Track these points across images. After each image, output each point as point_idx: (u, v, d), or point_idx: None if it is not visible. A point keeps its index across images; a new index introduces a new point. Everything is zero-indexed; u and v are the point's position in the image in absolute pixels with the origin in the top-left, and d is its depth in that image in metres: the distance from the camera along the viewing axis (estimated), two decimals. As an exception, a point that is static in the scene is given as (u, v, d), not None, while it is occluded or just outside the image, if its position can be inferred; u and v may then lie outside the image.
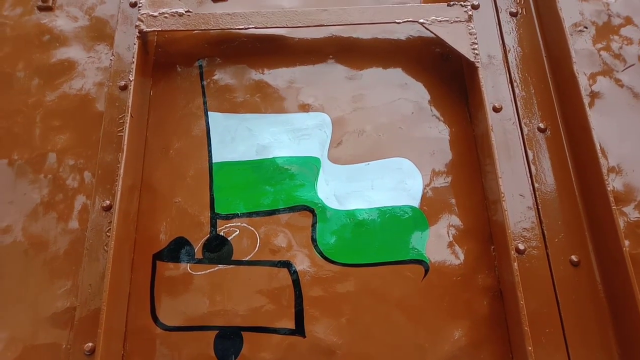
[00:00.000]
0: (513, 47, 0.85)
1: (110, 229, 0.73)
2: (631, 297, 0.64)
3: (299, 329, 0.69)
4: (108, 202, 0.75)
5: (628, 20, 0.88)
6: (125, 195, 0.72)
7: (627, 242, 0.73)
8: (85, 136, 0.82)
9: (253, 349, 0.68)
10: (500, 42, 0.86)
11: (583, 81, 0.83)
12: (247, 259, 0.73)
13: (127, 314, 0.71)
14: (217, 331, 0.69)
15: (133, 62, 0.78)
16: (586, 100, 0.80)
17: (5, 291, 0.72)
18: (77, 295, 0.71)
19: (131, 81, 0.77)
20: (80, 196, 0.78)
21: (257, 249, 0.74)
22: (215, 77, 0.85)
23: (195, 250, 0.74)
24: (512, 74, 0.83)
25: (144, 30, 0.81)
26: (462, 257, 0.74)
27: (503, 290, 0.71)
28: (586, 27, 0.86)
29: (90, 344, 0.67)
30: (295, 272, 0.72)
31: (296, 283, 0.72)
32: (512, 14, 0.88)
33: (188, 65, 0.86)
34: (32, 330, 0.70)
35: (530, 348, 0.62)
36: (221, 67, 0.86)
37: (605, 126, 0.81)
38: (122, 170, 0.71)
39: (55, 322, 0.70)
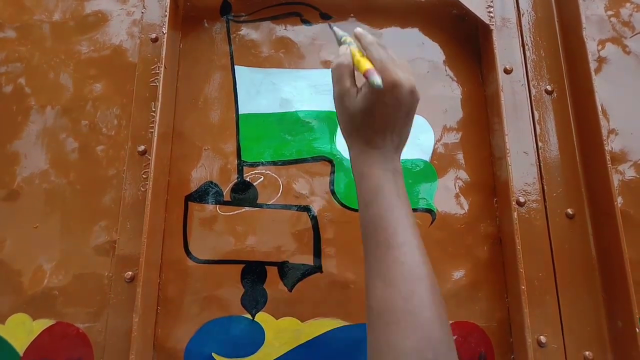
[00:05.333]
0: (527, 11, 0.89)
1: (145, 171, 0.80)
2: (618, 249, 0.71)
3: (316, 265, 0.77)
4: (143, 147, 0.81)
5: (641, -13, 0.91)
6: (159, 141, 0.78)
7: (620, 199, 0.80)
8: (120, 85, 0.87)
9: (275, 280, 0.76)
10: (515, 5, 0.89)
11: (592, 47, 0.87)
12: (270, 202, 0.80)
13: (162, 248, 0.79)
14: (244, 265, 0.77)
15: (166, 16, 0.83)
16: (593, 66, 0.85)
17: (53, 226, 0.80)
18: (117, 230, 0.78)
19: (164, 34, 0.82)
20: (116, 141, 0.84)
21: (279, 194, 0.81)
22: (241, 33, 0.90)
23: (224, 193, 0.81)
24: (525, 38, 0.87)
25: (176, -16, 0.85)
26: (466, 207, 0.81)
27: (502, 237, 0.78)
28: (599, -7, 0.89)
29: (130, 273, 0.76)
30: (314, 216, 0.80)
31: (315, 225, 0.79)
32: (529, -22, 0.91)
33: (215, 20, 0.90)
34: (79, 260, 0.78)
35: (523, 287, 0.70)
36: (247, 23, 0.90)
37: (610, 90, 0.85)
38: (157, 118, 0.77)
39: (99, 254, 0.79)
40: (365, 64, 0.52)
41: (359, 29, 0.57)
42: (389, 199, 0.51)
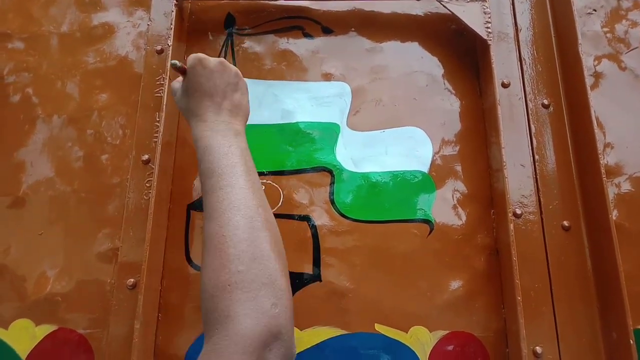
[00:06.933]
0: (525, 26, 0.90)
1: (148, 180, 0.82)
2: (613, 261, 0.72)
3: (315, 274, 0.78)
4: (147, 156, 0.83)
5: (637, 5, 0.93)
6: (163, 150, 0.79)
7: (615, 212, 0.81)
8: (125, 95, 0.89)
9: (275, 289, 0.78)
10: (513, 21, 0.91)
11: (588, 62, 0.89)
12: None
13: (164, 256, 0.80)
14: (244, 273, 0.78)
15: (171, 29, 0.85)
16: (590, 81, 0.86)
17: (57, 233, 0.82)
18: (120, 237, 0.80)
19: (169, 46, 0.84)
20: (120, 150, 0.86)
21: (280, 203, 0.82)
22: (244, 45, 0.92)
23: (225, 203, 0.82)
24: (522, 52, 0.89)
25: (181, -2, 0.87)
26: (464, 218, 0.82)
27: (499, 248, 0.79)
28: (595, 10, 0.91)
29: (132, 280, 0.77)
30: (314, 225, 0.81)
31: (314, 235, 0.80)
32: (526, -5, 0.93)
33: (219, 33, 0.93)
34: (82, 267, 0.80)
35: (519, 298, 0.71)
36: (250, 36, 0.92)
37: (606, 105, 0.87)
38: (161, 128, 0.79)
39: (102, 260, 0.80)
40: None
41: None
42: (216, 154, 0.58)
